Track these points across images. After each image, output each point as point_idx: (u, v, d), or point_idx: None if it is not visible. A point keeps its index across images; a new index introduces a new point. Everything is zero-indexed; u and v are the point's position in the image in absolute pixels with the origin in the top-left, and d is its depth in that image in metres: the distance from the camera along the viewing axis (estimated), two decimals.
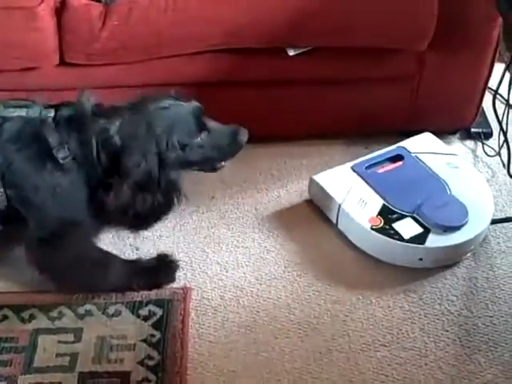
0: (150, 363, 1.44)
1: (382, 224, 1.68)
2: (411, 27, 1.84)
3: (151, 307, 1.56)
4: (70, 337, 1.51)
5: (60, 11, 1.80)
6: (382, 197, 1.75)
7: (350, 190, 1.76)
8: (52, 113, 1.49)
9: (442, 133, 2.06)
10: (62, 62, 1.85)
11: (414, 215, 1.70)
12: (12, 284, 1.64)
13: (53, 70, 1.86)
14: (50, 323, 1.54)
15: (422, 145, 1.94)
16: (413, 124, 2.09)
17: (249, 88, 1.99)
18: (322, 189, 1.79)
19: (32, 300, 1.59)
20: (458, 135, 2.12)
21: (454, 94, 2.02)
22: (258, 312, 1.58)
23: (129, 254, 1.72)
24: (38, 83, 1.88)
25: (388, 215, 1.70)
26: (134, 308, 1.56)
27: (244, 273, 1.67)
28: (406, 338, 1.53)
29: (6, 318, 1.55)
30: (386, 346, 1.51)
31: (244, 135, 1.59)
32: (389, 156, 1.88)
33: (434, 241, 1.65)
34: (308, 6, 1.81)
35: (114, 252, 1.67)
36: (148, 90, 1.85)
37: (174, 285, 1.62)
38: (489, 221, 1.74)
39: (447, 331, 1.54)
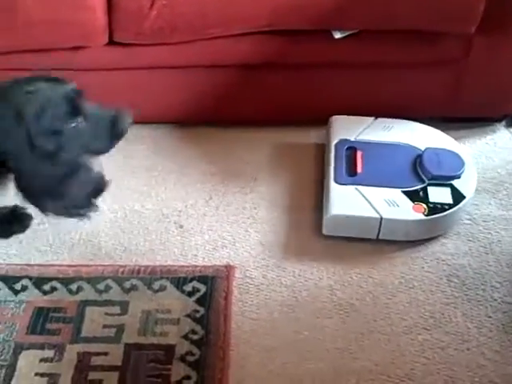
0: (194, 337, 1.47)
1: (425, 206, 1.68)
2: (458, 9, 1.81)
3: (195, 283, 1.58)
4: (117, 309, 1.54)
5: None
6: (394, 187, 1.72)
7: (369, 200, 1.69)
8: None
9: (487, 120, 2.04)
10: (111, 42, 1.87)
11: (429, 182, 1.72)
12: (61, 256, 1.68)
13: (102, 49, 1.88)
14: (97, 295, 1.57)
15: (348, 128, 1.91)
16: (457, 110, 2.07)
17: (293, 70, 1.99)
18: (349, 217, 1.69)
19: (80, 273, 1.63)
20: (504, 123, 2.09)
21: (502, 79, 1.99)
22: (299, 291, 1.59)
23: (173, 232, 1.74)
24: (88, 62, 1.92)
25: (417, 197, 1.70)
26: (179, 284, 1.59)
27: (286, 253, 1.68)
28: (448, 323, 1.53)
29: (54, 289, 1.59)
30: (427, 330, 1.51)
31: (126, 120, 1.46)
32: (345, 154, 1.82)
33: (465, 188, 1.71)
34: None
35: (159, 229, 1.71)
36: None
37: (218, 262, 1.64)
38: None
39: (490, 317, 1.53)
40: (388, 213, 1.66)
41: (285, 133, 2.02)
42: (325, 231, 1.71)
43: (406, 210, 1.67)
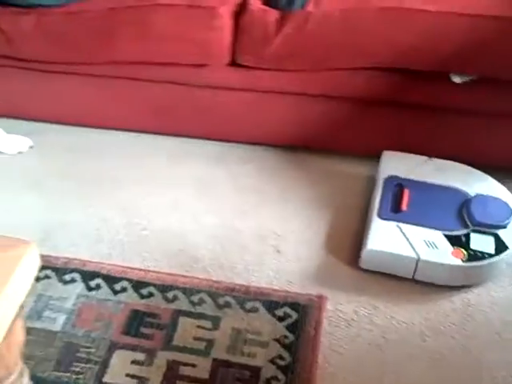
0: (281, 363, 1.48)
1: (465, 252, 1.65)
2: None
3: (287, 309, 1.60)
4: (209, 324, 1.57)
5: (238, 14, 1.89)
6: (436, 229, 1.70)
7: (409, 239, 1.68)
8: None
9: None
10: (232, 63, 1.94)
11: (473, 229, 1.70)
12: (160, 264, 1.74)
13: (222, 68, 1.96)
14: (191, 307, 1.61)
15: (398, 165, 1.90)
16: None
17: (403, 108, 1.99)
18: (387, 253, 1.67)
19: (176, 282, 1.68)
20: None
21: None
22: (390, 333, 1.58)
23: (270, 254, 1.77)
24: (207, 80, 1.99)
25: (458, 242, 1.67)
26: (271, 307, 1.61)
27: (380, 292, 1.67)
28: None
29: (151, 294, 1.65)
30: None
31: None
32: (392, 191, 1.82)
33: (509, 239, 1.67)
34: (481, 34, 1.79)
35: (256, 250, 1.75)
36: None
37: (311, 291, 1.65)
38: None
39: None
40: (426, 254, 1.64)
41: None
42: (362, 265, 1.71)
43: (444, 254, 1.65)
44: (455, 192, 1.81)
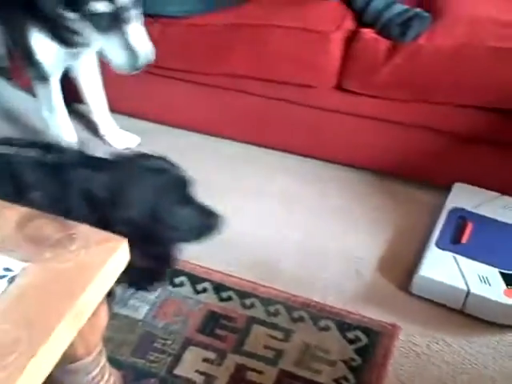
0: None
1: None
2: None
3: (358, 333, 1.63)
4: (280, 334, 1.62)
5: (350, 40, 1.94)
6: (493, 266, 1.69)
7: (462, 271, 1.68)
8: (32, 152, 1.44)
9: None
10: (339, 87, 1.98)
11: None
12: (242, 270, 1.81)
13: (328, 91, 2.01)
14: (266, 316, 1.67)
15: (467, 198, 1.90)
16: None
17: (500, 149, 1.96)
18: (437, 282, 1.67)
19: (256, 290, 1.74)
20: None
21: None
22: (460, 373, 1.56)
23: (350, 277, 1.80)
24: (312, 101, 2.05)
25: None
26: (343, 328, 1.64)
27: (457, 330, 1.66)
28: None
29: (230, 298, 1.72)
30: None
31: (218, 221, 1.52)
32: (455, 222, 1.82)
33: None
34: None
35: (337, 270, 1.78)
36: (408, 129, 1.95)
37: (385, 319, 1.66)
38: None
39: None
40: (477, 288, 1.64)
41: None
42: (412, 289, 1.73)
43: (496, 291, 1.63)
44: None
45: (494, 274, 1.68)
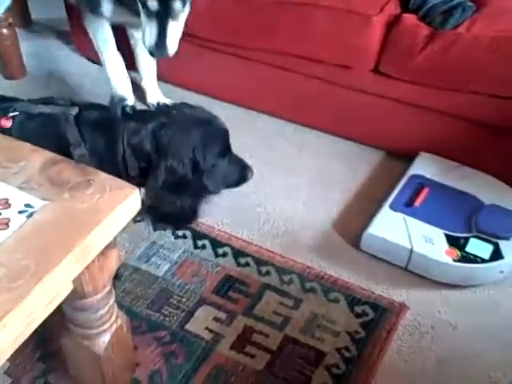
0: (346, 354, 1.56)
1: (458, 253, 1.71)
2: None
3: (366, 308, 1.67)
4: (290, 302, 1.68)
5: (391, 24, 1.96)
6: (439, 227, 1.78)
7: (409, 231, 1.77)
8: (75, 111, 1.52)
9: None
10: (375, 70, 2.02)
11: (476, 234, 1.76)
12: (264, 239, 1.88)
13: (365, 74, 2.05)
14: (279, 284, 1.73)
15: (429, 166, 2.00)
16: None
17: None
18: (383, 240, 1.77)
19: (273, 259, 1.81)
20: None
21: None
22: (462, 355, 1.59)
23: (365, 254, 1.84)
24: (349, 82, 2.09)
25: (456, 243, 1.74)
26: (352, 302, 1.69)
27: (461, 314, 1.69)
28: None
29: (247, 265, 1.79)
30: None
31: (251, 173, 1.70)
32: (413, 187, 1.92)
33: (508, 250, 1.72)
34: None
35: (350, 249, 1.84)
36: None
37: (396, 298, 1.71)
38: None
39: None
40: (420, 247, 1.73)
41: None
42: (361, 246, 1.83)
43: (437, 250, 1.73)
44: (471, 199, 1.88)
45: (439, 235, 1.77)
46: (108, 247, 1.10)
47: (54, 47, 2.80)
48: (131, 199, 1.08)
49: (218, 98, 2.39)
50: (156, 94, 2.37)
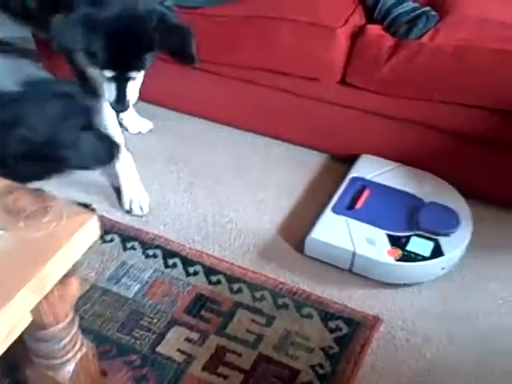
0: (320, 371, 1.54)
1: (400, 252, 1.74)
2: None
3: (340, 323, 1.66)
4: (263, 320, 1.66)
5: (356, 35, 1.96)
6: (380, 228, 1.80)
7: (352, 233, 1.79)
8: None
9: None
10: (342, 81, 2.01)
11: (416, 232, 1.79)
12: (235, 256, 1.86)
13: (331, 85, 2.04)
14: (251, 301, 1.71)
15: (370, 167, 2.03)
16: None
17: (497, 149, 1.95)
18: (326, 244, 1.79)
19: (245, 276, 1.79)
20: None
21: None
22: (436, 368, 1.58)
23: (340, 269, 1.82)
24: (316, 94, 2.09)
25: (398, 242, 1.77)
26: (325, 317, 1.67)
27: (437, 326, 1.68)
28: None
29: (219, 282, 1.77)
30: None
31: (118, 150, 1.65)
32: (354, 190, 1.94)
33: (449, 247, 1.76)
34: None
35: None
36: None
37: (368, 311, 1.69)
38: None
39: None
40: (362, 249, 1.75)
41: None
42: (305, 251, 1.84)
43: (379, 251, 1.75)
44: (412, 197, 1.91)
45: (380, 235, 1.79)
46: (67, 275, 1.08)
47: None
48: (89, 226, 1.06)
49: (186, 112, 2.38)
50: (129, 112, 2.33)
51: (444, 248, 1.75)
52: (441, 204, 1.87)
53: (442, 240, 1.77)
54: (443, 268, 1.77)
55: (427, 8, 1.96)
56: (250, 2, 2.08)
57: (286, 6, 2.04)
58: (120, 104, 1.80)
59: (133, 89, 1.79)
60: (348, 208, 1.89)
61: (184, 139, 2.32)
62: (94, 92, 1.87)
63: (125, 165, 2.03)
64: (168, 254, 1.86)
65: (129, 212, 2.01)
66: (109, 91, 1.78)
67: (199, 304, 1.71)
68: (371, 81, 1.96)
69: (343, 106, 2.06)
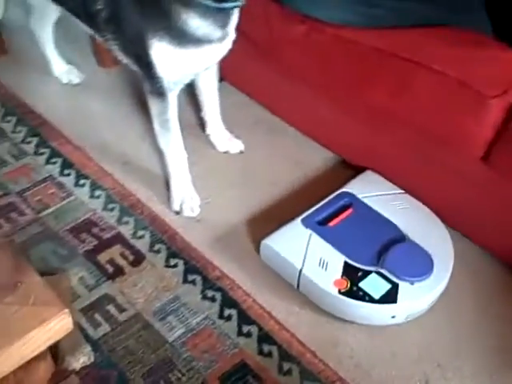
0: None
1: (348, 285, 1.57)
2: None
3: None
4: None
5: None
6: (342, 253, 1.63)
7: (308, 250, 1.64)
8: None
9: None
10: (485, 158, 1.65)
11: (379, 270, 1.59)
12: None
13: (471, 159, 1.69)
14: None
15: (367, 186, 1.85)
16: None
17: None
18: (277, 254, 1.65)
19: (301, 357, 1.55)
20: None
21: None
22: None
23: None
24: (447, 161, 1.77)
25: (352, 274, 1.59)
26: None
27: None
28: None
29: (270, 355, 1.55)
30: None
31: None
32: (337, 205, 1.77)
33: (406, 296, 1.55)
34: None
35: None
36: None
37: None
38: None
39: None
40: (309, 270, 1.60)
41: None
42: (260, 256, 1.73)
43: (326, 278, 1.59)
44: (395, 231, 1.71)
45: (337, 261, 1.62)
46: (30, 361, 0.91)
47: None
48: (55, 321, 0.87)
49: (291, 125, 2.22)
50: (217, 128, 2.16)
51: (400, 295, 1.55)
52: (421, 247, 1.65)
53: (403, 286, 1.57)
54: (393, 317, 1.57)
55: None
56: (393, 34, 1.74)
57: (433, 49, 1.69)
58: None
59: None
60: (320, 223, 1.72)
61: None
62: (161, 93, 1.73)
63: (177, 164, 1.89)
64: (227, 302, 1.66)
65: (178, 213, 1.90)
66: None
67: (239, 375, 1.50)
68: None
69: (483, 186, 1.72)
